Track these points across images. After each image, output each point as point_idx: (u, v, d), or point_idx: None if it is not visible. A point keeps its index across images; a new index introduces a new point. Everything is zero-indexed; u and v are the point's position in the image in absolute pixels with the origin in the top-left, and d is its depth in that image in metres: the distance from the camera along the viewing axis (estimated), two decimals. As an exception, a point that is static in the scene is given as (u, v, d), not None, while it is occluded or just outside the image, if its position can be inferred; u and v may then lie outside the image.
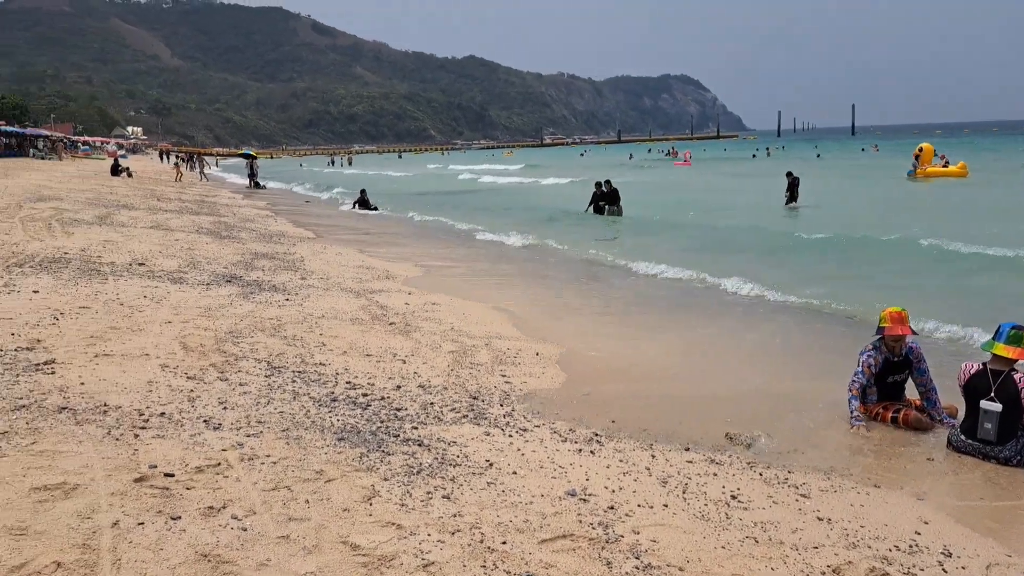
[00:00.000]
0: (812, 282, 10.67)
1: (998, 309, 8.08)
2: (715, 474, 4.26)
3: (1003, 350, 4.76)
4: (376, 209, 25.02)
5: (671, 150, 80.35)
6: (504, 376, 6.08)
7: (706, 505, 3.80)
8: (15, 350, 5.45)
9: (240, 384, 5.22)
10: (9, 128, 55.09)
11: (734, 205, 24.26)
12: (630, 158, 68.24)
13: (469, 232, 18.47)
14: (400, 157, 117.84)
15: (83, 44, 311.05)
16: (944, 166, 33.92)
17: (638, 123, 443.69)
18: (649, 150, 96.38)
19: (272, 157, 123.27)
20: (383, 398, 5.25)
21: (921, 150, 34.59)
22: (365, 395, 5.28)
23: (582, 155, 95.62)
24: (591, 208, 21.57)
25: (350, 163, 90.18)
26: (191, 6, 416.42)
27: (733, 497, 3.93)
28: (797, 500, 3.97)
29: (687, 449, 4.67)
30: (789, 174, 22.99)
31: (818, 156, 64.57)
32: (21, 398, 4.48)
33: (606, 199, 21.29)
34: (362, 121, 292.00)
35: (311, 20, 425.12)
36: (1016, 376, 4.71)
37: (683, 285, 11.22)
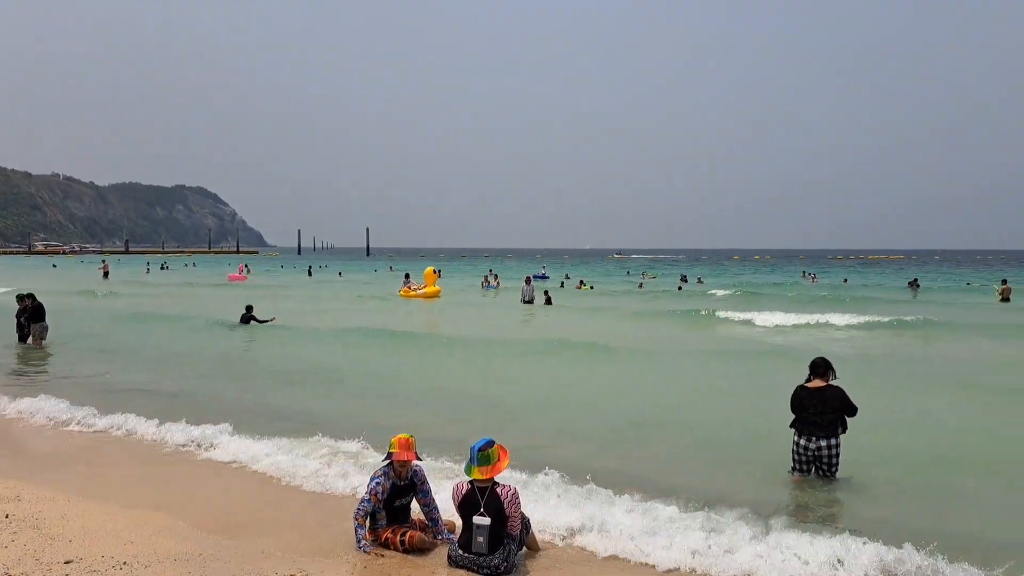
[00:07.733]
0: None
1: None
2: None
3: (476, 473, 5.24)
4: None
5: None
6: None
7: None
8: None
9: None
10: None
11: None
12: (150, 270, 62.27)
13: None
14: None
15: None
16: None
17: (150, 233, 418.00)
18: (163, 266, 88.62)
19: None
20: None
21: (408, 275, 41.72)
22: None
23: (54, 267, 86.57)
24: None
25: None
26: None
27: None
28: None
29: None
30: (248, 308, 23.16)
31: (310, 274, 69.59)
32: None
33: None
34: None
35: None
36: (499, 489, 5.24)
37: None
